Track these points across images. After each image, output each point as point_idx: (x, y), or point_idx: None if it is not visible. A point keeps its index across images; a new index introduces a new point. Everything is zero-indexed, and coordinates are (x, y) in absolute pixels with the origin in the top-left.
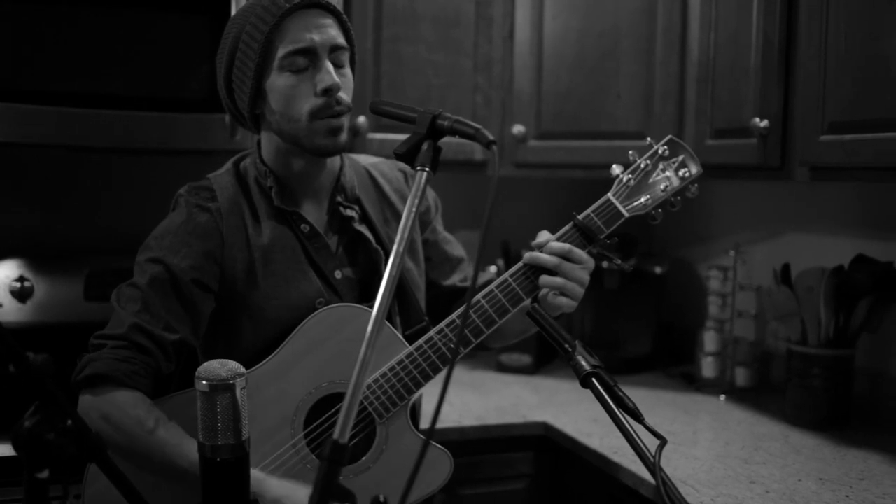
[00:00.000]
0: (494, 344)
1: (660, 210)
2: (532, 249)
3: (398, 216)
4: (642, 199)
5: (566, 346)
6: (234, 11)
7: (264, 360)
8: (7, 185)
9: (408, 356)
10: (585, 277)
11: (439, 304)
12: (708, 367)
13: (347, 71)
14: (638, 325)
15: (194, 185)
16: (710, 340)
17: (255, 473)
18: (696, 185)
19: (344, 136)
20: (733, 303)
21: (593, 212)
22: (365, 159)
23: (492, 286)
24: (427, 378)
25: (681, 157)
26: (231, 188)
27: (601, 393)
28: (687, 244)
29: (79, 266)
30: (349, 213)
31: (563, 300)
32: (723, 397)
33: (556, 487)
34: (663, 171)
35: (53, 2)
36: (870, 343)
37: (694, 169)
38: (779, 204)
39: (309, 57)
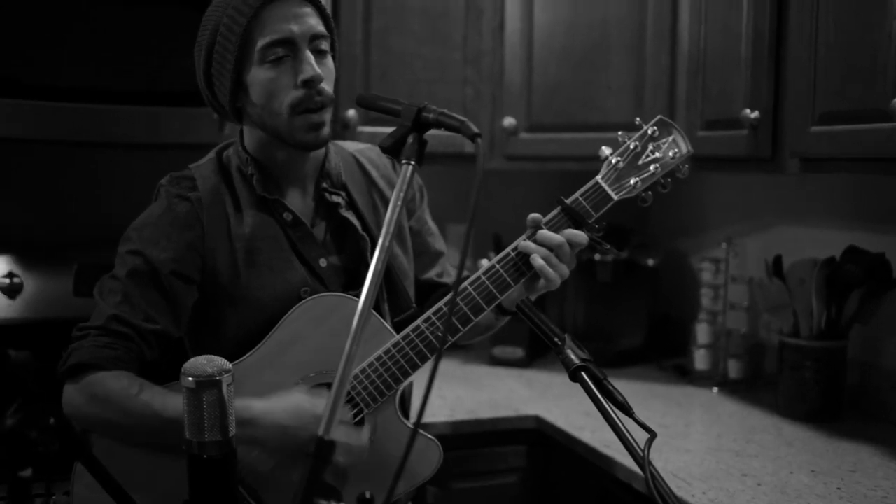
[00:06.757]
0: (465, 340)
1: (650, 192)
2: (528, 227)
3: (387, 202)
4: (631, 181)
5: (556, 339)
6: None
7: (250, 352)
8: None
9: (395, 345)
10: (573, 265)
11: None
12: (700, 360)
13: (329, 60)
14: (630, 317)
15: (175, 174)
16: (702, 333)
17: (241, 404)
18: (686, 165)
19: (326, 131)
20: (725, 295)
21: (581, 195)
22: (351, 146)
23: (479, 273)
24: (415, 367)
25: (671, 138)
26: (213, 177)
27: (590, 387)
28: (679, 236)
29: (68, 261)
30: (335, 199)
31: (542, 283)
32: (715, 389)
33: (549, 481)
34: (653, 151)
35: None
36: (862, 334)
37: (685, 148)
38: (770, 196)
39: (288, 48)
